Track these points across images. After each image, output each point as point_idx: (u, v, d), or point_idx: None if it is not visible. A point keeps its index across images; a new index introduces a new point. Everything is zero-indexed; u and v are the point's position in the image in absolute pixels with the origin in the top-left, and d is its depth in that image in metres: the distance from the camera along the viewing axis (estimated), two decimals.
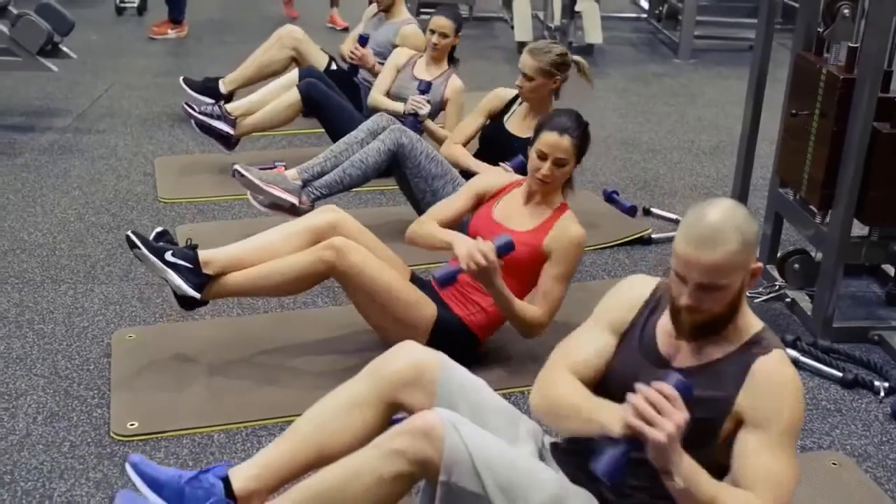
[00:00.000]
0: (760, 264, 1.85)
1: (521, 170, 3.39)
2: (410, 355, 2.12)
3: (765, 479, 1.79)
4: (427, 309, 2.84)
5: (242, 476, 2.06)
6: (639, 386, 1.73)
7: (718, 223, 1.78)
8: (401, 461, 1.87)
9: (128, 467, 2.08)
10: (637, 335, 1.99)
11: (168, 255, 2.76)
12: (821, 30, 3.26)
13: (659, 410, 1.68)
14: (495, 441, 1.93)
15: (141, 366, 2.90)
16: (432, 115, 4.19)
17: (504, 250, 2.67)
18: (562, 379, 1.98)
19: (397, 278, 2.84)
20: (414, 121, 4.07)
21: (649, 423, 1.68)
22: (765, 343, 1.87)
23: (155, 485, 2.06)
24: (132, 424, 2.63)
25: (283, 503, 1.93)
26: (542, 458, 2.07)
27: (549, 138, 2.81)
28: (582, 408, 1.88)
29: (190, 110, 4.38)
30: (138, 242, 2.75)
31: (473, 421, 1.95)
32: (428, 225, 2.98)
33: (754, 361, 1.85)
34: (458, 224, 3.02)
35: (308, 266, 2.77)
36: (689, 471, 1.73)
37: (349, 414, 2.08)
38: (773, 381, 1.84)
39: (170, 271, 2.75)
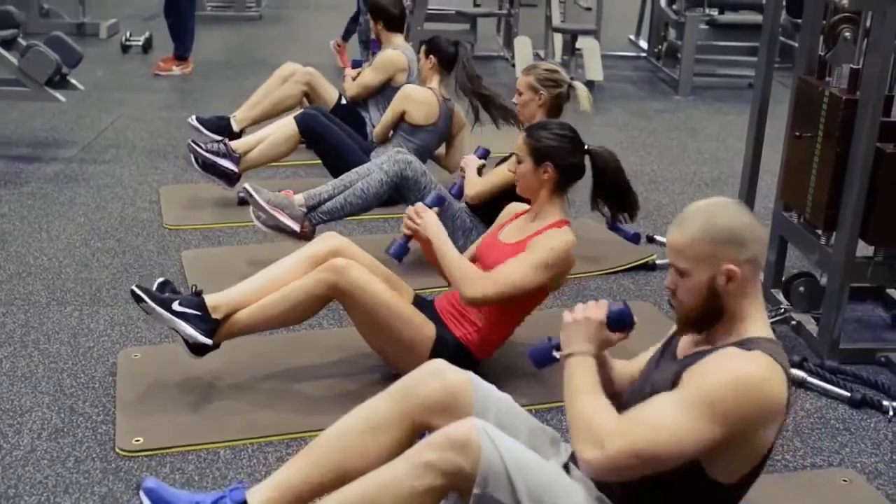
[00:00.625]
0: (735, 268, 1.82)
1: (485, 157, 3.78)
2: (442, 378, 2.07)
3: (633, 414, 1.80)
4: (426, 329, 2.84)
5: (260, 498, 2.02)
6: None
7: (693, 209, 1.88)
8: (434, 474, 1.83)
9: (142, 495, 2.03)
10: (667, 342, 2.07)
11: (175, 305, 2.73)
12: (822, 53, 3.30)
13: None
14: (528, 452, 1.91)
15: (146, 384, 2.89)
16: None
17: (435, 202, 2.90)
18: None
19: (398, 298, 2.83)
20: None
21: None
22: (750, 345, 1.82)
23: None
24: (137, 440, 2.61)
25: None
26: (567, 469, 2.05)
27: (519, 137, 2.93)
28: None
29: (197, 147, 4.32)
30: (144, 296, 2.72)
31: (505, 434, 1.93)
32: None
33: (723, 349, 1.84)
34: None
35: (309, 290, 2.76)
36: (578, 360, 1.94)
37: (373, 436, 2.04)
38: (718, 358, 1.80)
39: (179, 321, 2.72)
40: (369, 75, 4.88)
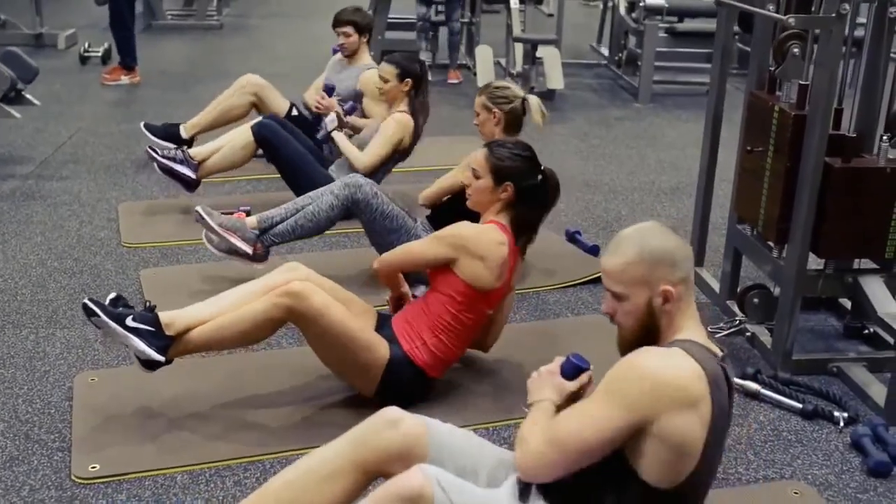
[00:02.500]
0: (671, 288, 1.91)
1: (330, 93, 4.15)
2: (399, 428, 2.07)
3: (558, 416, 1.95)
4: (380, 351, 2.84)
5: None
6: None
7: (624, 234, 1.97)
8: None
9: None
10: None
11: (129, 321, 2.71)
12: (772, 68, 3.35)
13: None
14: (480, 493, 1.94)
15: (103, 408, 2.88)
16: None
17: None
18: None
19: (354, 321, 2.82)
20: (324, 133, 4.42)
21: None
22: (669, 345, 1.91)
23: None
24: (94, 467, 2.60)
25: None
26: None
27: (476, 151, 3.00)
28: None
29: (153, 153, 4.41)
30: (97, 309, 2.70)
31: (463, 477, 1.96)
32: None
33: None
34: None
35: (265, 313, 2.74)
36: (538, 406, 2.03)
37: (327, 483, 2.04)
38: (630, 355, 1.90)
39: (132, 337, 2.70)
40: (381, 147, 4.29)
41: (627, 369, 1.86)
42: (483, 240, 2.88)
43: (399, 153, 4.35)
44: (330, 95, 4.62)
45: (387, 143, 4.26)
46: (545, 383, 2.09)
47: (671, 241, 1.95)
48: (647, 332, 1.94)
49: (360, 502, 1.92)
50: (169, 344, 2.76)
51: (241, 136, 4.50)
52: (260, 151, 4.55)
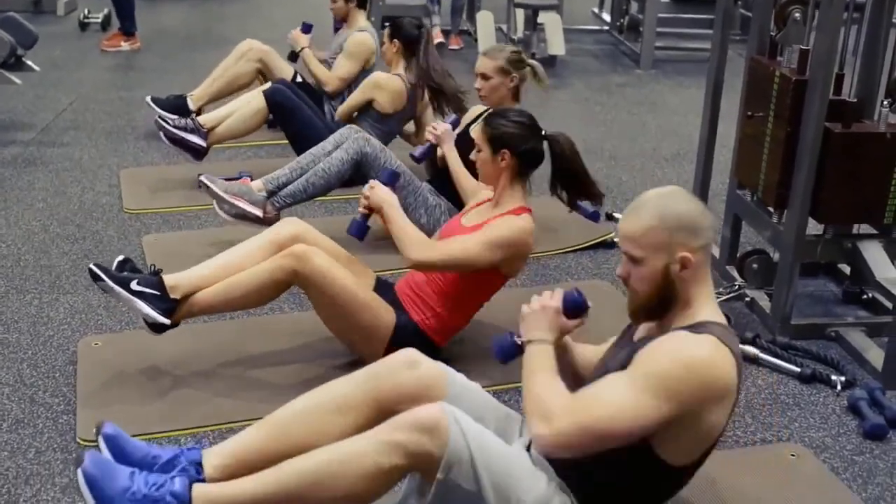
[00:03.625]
0: (690, 255, 1.87)
1: (455, 125, 3.74)
2: (417, 370, 2.08)
3: (584, 391, 1.88)
4: (387, 316, 2.87)
5: (215, 463, 2.03)
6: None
7: (646, 198, 1.93)
8: (400, 454, 1.86)
9: (100, 441, 2.05)
10: (626, 329, 2.12)
11: (134, 285, 2.75)
12: (773, 33, 3.34)
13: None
14: (495, 440, 1.95)
15: (107, 372, 2.91)
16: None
17: (388, 179, 2.96)
18: None
19: (358, 284, 2.86)
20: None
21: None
22: (701, 329, 1.87)
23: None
24: None
25: (269, 476, 1.92)
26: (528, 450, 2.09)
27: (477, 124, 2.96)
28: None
29: (164, 123, 4.37)
30: (102, 274, 2.73)
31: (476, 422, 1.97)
32: None
33: (673, 332, 1.89)
34: None
35: (270, 275, 2.78)
36: (536, 347, 2.00)
37: (338, 416, 2.05)
38: (668, 341, 1.85)
39: (137, 300, 2.74)
40: (346, 66, 4.79)
41: (673, 362, 1.79)
42: (531, 239, 2.88)
43: (382, 115, 4.36)
44: (306, 32, 4.85)
45: (356, 95, 4.40)
46: (543, 319, 2.04)
47: (694, 207, 1.91)
48: (662, 298, 1.91)
49: (375, 428, 1.93)
50: (173, 307, 2.79)
51: (253, 101, 4.49)
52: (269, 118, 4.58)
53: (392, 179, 2.98)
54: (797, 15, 3.15)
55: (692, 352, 1.81)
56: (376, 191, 2.89)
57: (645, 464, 1.90)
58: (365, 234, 2.98)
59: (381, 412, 2.04)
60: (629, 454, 1.87)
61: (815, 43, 3.08)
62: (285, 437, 2.05)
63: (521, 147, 2.89)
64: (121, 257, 2.89)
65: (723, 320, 1.95)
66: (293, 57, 4.94)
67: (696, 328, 1.88)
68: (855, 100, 3.24)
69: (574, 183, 3.00)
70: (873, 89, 3.31)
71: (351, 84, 4.76)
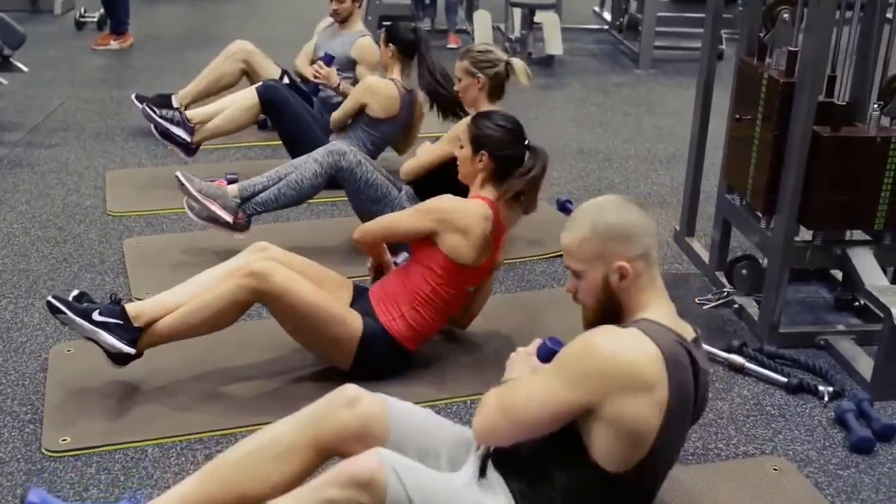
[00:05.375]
0: (626, 265, 1.87)
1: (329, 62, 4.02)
2: (356, 408, 2.02)
3: (510, 384, 1.94)
4: (353, 325, 2.79)
5: None
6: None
7: (582, 209, 1.94)
8: None
9: None
10: None
11: (96, 315, 2.67)
12: (762, 35, 3.26)
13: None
14: (442, 484, 1.88)
15: (77, 381, 2.85)
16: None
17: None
18: None
19: (322, 296, 2.77)
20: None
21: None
22: (628, 325, 1.87)
23: None
24: (64, 440, 2.57)
25: None
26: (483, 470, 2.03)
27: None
28: None
29: (151, 112, 4.33)
30: (62, 307, 2.65)
31: (423, 459, 1.93)
32: None
33: None
34: None
35: (230, 296, 2.69)
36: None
37: (278, 462, 1.99)
38: (582, 335, 1.87)
39: (100, 331, 2.66)
40: (345, 103, 4.39)
41: (580, 347, 1.83)
42: (466, 213, 2.82)
43: (374, 119, 4.28)
44: (328, 65, 4.56)
45: (349, 101, 4.31)
46: (521, 363, 2.08)
47: (629, 215, 1.89)
48: (607, 310, 1.89)
49: (311, 481, 1.87)
50: (137, 336, 2.71)
51: (244, 98, 4.43)
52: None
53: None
54: (786, 15, 3.08)
55: (601, 339, 1.82)
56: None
57: (582, 468, 1.85)
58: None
59: (324, 454, 2.01)
60: (566, 456, 1.86)
61: (803, 44, 3.00)
62: (227, 484, 1.98)
63: (499, 151, 2.87)
64: (75, 291, 2.78)
65: (665, 320, 1.89)
66: (315, 90, 4.73)
67: (625, 325, 1.88)
68: (846, 102, 3.15)
69: (527, 197, 2.96)
70: (866, 91, 3.23)
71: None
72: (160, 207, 4.22)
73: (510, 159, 2.87)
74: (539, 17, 6.94)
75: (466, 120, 3.74)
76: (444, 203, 2.86)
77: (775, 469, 2.58)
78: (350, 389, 2.06)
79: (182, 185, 3.52)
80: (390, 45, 4.22)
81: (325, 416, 2.02)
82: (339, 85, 4.55)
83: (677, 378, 1.80)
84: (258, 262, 2.71)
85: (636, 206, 1.93)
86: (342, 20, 4.85)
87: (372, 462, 1.78)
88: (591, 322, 1.93)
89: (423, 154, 3.73)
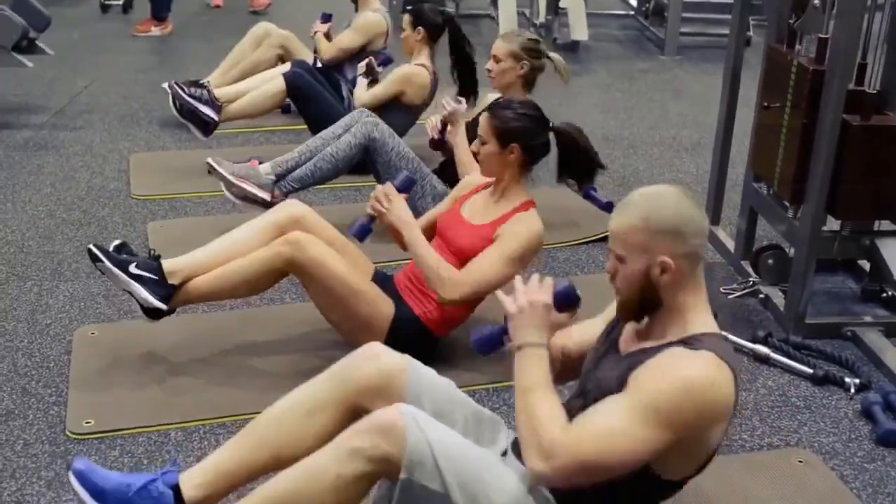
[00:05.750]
0: (670, 261, 1.77)
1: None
2: (378, 361, 2.05)
3: (581, 421, 1.75)
4: (384, 307, 2.80)
5: (194, 483, 2.00)
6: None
7: (637, 196, 1.83)
8: (361, 460, 1.81)
9: (71, 477, 2.00)
10: (611, 328, 2.01)
11: (132, 268, 2.71)
12: (792, 21, 3.21)
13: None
14: (459, 439, 1.89)
15: (101, 363, 2.87)
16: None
17: (405, 186, 2.81)
18: None
19: (356, 274, 2.80)
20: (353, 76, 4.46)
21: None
22: (696, 343, 1.77)
23: (100, 496, 1.98)
24: (88, 422, 2.59)
25: None
26: (506, 455, 2.02)
27: (481, 115, 2.84)
28: None
29: (178, 90, 4.30)
30: (101, 255, 2.69)
31: (438, 419, 1.91)
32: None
33: (670, 348, 1.79)
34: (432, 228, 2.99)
35: (266, 262, 2.73)
36: (529, 353, 1.84)
37: (309, 418, 2.03)
38: (664, 361, 1.74)
39: (135, 284, 2.70)
40: (348, 38, 4.77)
41: (681, 392, 1.69)
42: (540, 242, 2.82)
43: (409, 106, 4.27)
44: (324, 22, 4.80)
45: (385, 89, 4.25)
46: (533, 317, 1.86)
47: (685, 211, 1.79)
48: (643, 301, 1.83)
49: (339, 435, 1.89)
50: (171, 293, 2.75)
51: (271, 84, 4.44)
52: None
53: (408, 186, 2.83)
54: (816, 2, 3.03)
55: (691, 374, 1.70)
56: (394, 207, 2.75)
57: (639, 480, 1.81)
58: (366, 237, 2.86)
59: (350, 409, 2.02)
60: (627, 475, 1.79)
61: (833, 31, 2.95)
62: (262, 446, 2.02)
63: (531, 141, 2.80)
64: (117, 241, 2.85)
65: (717, 330, 1.85)
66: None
67: (692, 342, 1.78)
68: (876, 91, 3.10)
69: (585, 172, 2.95)
70: None
71: (346, 58, 4.76)
72: (184, 191, 4.22)
73: (542, 147, 2.83)
74: (564, 1, 6.88)
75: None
76: (530, 242, 2.77)
77: (800, 461, 2.56)
78: (373, 346, 2.10)
79: (214, 168, 3.54)
80: (419, 28, 4.19)
81: (349, 370, 2.05)
82: (315, 33, 4.81)
83: (739, 387, 1.80)
84: (297, 233, 2.73)
85: (695, 202, 1.83)
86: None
87: (393, 412, 1.83)
88: (626, 309, 1.87)
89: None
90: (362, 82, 4.34)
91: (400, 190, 2.80)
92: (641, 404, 1.70)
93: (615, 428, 1.70)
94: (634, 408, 1.70)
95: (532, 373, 1.83)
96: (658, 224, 1.77)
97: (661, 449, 1.71)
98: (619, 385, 1.78)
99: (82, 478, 2.00)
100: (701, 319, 1.84)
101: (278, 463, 1.97)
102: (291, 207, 2.93)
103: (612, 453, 1.70)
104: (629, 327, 1.94)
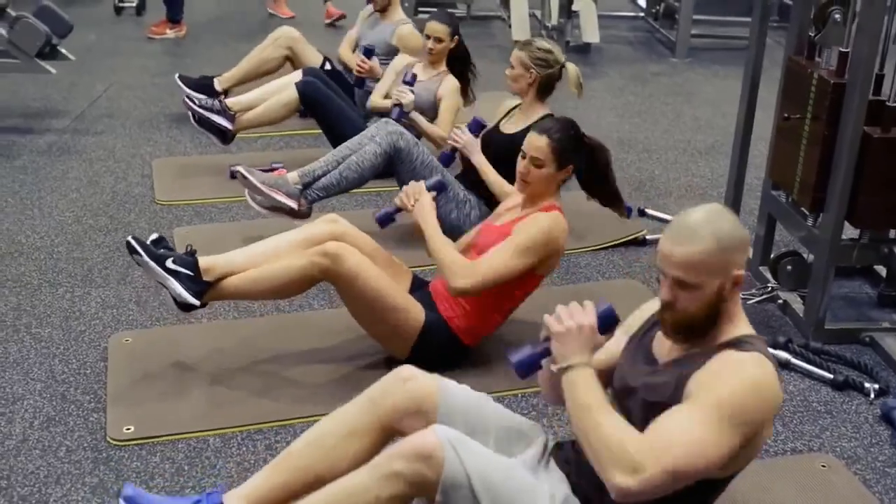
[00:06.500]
0: (742, 273, 1.86)
1: (477, 129, 3.65)
2: (408, 385, 2.12)
3: (659, 431, 1.77)
4: (416, 315, 2.87)
5: None
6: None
7: (697, 222, 1.84)
8: (398, 483, 1.88)
9: (121, 502, 2.10)
10: (641, 336, 2.06)
11: (169, 263, 2.78)
12: (812, 34, 3.27)
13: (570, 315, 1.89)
14: (495, 460, 1.95)
15: (138, 370, 2.93)
16: (425, 112, 4.20)
17: (435, 187, 2.99)
18: None
19: (390, 285, 2.86)
20: (399, 111, 4.11)
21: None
22: (745, 346, 1.85)
23: None
24: (128, 429, 2.65)
25: None
26: (543, 460, 2.08)
27: (530, 137, 2.87)
28: None
29: (190, 103, 4.41)
30: (139, 248, 2.76)
31: (471, 436, 1.97)
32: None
33: (721, 352, 1.85)
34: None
35: (302, 270, 2.80)
36: (580, 373, 1.85)
37: (347, 443, 2.10)
38: (726, 364, 1.81)
39: (170, 279, 2.77)
40: (451, 115, 4.24)
41: (753, 393, 1.77)
42: (564, 236, 2.90)
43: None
44: (369, 57, 4.59)
45: (454, 111, 4.26)
46: (580, 339, 1.88)
47: (737, 222, 1.87)
48: (710, 317, 1.87)
49: (376, 457, 1.97)
50: (205, 289, 2.81)
51: (284, 92, 4.48)
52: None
53: (438, 187, 3.02)
54: (837, 16, 3.08)
55: (755, 374, 1.79)
56: (421, 203, 2.91)
57: (700, 481, 1.86)
58: (388, 224, 3.07)
59: (385, 432, 2.11)
60: None
61: (854, 45, 3.01)
62: (301, 468, 2.09)
63: (580, 161, 2.94)
64: (155, 235, 2.91)
65: (755, 332, 1.94)
66: (360, 83, 4.67)
67: (742, 345, 1.86)
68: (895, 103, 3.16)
69: (609, 195, 3.10)
70: None
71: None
72: (208, 196, 4.28)
73: (583, 165, 2.95)
74: (576, 4, 6.93)
75: (503, 103, 3.84)
76: (550, 235, 2.84)
77: (823, 466, 2.62)
78: (405, 370, 2.17)
79: (245, 178, 3.60)
80: (456, 36, 4.27)
81: (382, 394, 2.13)
82: (383, 75, 4.59)
83: None
84: (334, 244, 2.79)
85: (732, 213, 1.92)
86: (381, 9, 4.89)
87: (431, 437, 1.89)
88: (685, 326, 1.88)
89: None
90: (421, 119, 4.18)
91: (429, 189, 2.96)
92: (717, 408, 1.75)
93: (698, 434, 1.75)
94: (711, 412, 1.75)
95: (589, 392, 1.85)
96: (730, 242, 1.82)
97: (737, 449, 1.78)
98: (676, 391, 1.84)
99: (131, 503, 2.08)
100: (743, 321, 1.93)
101: (316, 485, 2.03)
102: (329, 223, 2.99)
103: (700, 459, 1.75)
104: (662, 339, 2.00)
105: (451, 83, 4.25)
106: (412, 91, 4.14)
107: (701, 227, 1.83)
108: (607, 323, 1.96)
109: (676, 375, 1.87)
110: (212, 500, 2.06)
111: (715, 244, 1.81)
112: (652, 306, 2.10)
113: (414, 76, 4.19)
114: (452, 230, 3.35)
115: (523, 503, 1.90)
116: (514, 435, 2.13)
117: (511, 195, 3.17)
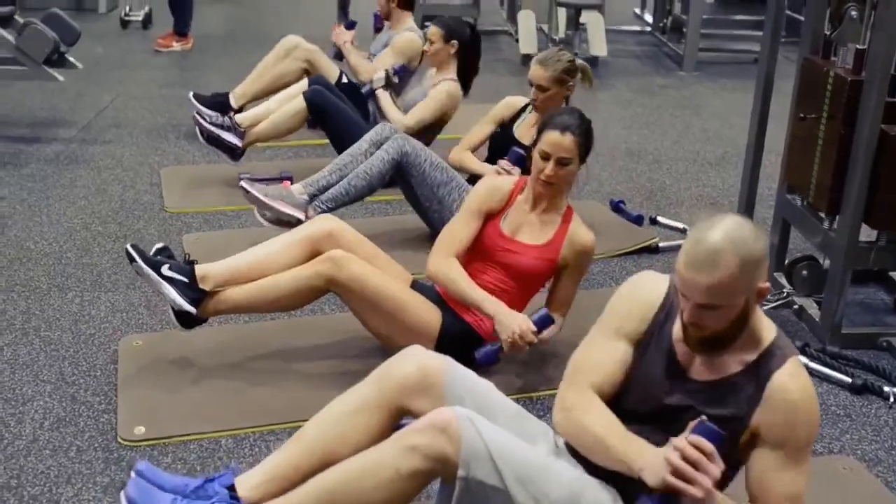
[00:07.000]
0: (768, 284, 1.82)
1: (520, 162, 3.44)
2: (416, 361, 2.11)
3: (785, 499, 1.86)
4: (433, 316, 2.83)
5: (249, 485, 2.05)
6: (674, 441, 1.76)
7: (718, 246, 1.75)
8: (418, 457, 1.87)
9: (133, 475, 2.08)
10: (654, 345, 1.98)
11: (165, 269, 2.77)
12: (828, 32, 3.26)
13: (696, 466, 1.72)
14: (510, 436, 1.94)
15: (148, 371, 2.89)
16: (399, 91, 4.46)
17: (543, 322, 2.74)
18: (588, 404, 1.95)
19: (400, 286, 2.83)
20: (369, 88, 4.44)
21: (687, 479, 1.72)
22: (779, 354, 1.86)
23: (159, 487, 2.05)
24: (139, 429, 2.61)
25: (296, 496, 1.94)
26: (557, 455, 2.05)
27: (551, 137, 2.77)
28: (611, 446, 1.87)
29: (201, 120, 4.38)
30: (136, 256, 2.76)
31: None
32: (454, 270, 2.84)
33: (770, 378, 1.84)
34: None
35: (306, 281, 2.76)
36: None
37: (355, 419, 2.08)
38: (788, 398, 1.83)
39: (165, 284, 2.76)
40: (426, 111, 4.33)
41: (813, 418, 1.88)
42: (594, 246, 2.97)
43: (441, 122, 4.33)
44: (350, 28, 4.83)
45: (433, 110, 4.24)
46: (704, 488, 1.73)
47: (756, 232, 1.80)
48: (736, 329, 1.85)
49: (395, 433, 1.96)
50: (201, 297, 2.79)
51: (291, 104, 4.45)
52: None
53: (545, 322, 2.73)
54: (854, 13, 3.07)
55: (811, 392, 1.87)
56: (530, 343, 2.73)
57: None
58: (490, 365, 2.78)
59: (393, 408, 2.08)
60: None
61: (872, 42, 2.99)
62: (313, 447, 2.07)
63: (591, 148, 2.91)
64: (159, 244, 2.91)
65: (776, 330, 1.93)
66: (339, 56, 4.92)
67: (775, 351, 1.87)
68: None
69: None
70: None
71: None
72: (216, 204, 4.26)
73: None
74: (583, 17, 6.95)
75: (508, 100, 3.86)
76: (594, 244, 2.92)
77: (845, 469, 2.58)
78: (413, 348, 2.16)
79: (247, 192, 3.57)
80: (453, 41, 4.23)
81: (389, 369, 2.12)
82: (344, 43, 4.80)
83: None
84: (336, 251, 2.77)
85: (749, 220, 1.84)
86: (385, 16, 4.93)
87: (447, 412, 1.89)
88: (705, 340, 1.86)
89: (465, 140, 3.93)
90: (386, 98, 4.37)
91: (537, 325, 2.72)
92: (807, 450, 1.89)
93: (804, 479, 1.89)
94: (805, 456, 1.88)
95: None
96: (752, 259, 1.76)
97: None
98: (740, 412, 1.87)
99: (143, 476, 2.06)
100: (766, 323, 1.91)
101: (328, 464, 2.01)
102: (326, 222, 2.95)
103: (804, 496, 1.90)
104: (683, 341, 1.95)
105: (444, 86, 4.25)
106: (396, 75, 4.43)
107: (722, 250, 1.74)
108: (713, 438, 1.83)
109: (733, 406, 1.88)
110: (223, 480, 2.04)
111: (738, 267, 1.74)
112: (645, 301, 2.00)
113: (403, 67, 4.43)
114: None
115: (544, 475, 1.88)
116: (521, 426, 2.09)
117: (490, 181, 3.02)
